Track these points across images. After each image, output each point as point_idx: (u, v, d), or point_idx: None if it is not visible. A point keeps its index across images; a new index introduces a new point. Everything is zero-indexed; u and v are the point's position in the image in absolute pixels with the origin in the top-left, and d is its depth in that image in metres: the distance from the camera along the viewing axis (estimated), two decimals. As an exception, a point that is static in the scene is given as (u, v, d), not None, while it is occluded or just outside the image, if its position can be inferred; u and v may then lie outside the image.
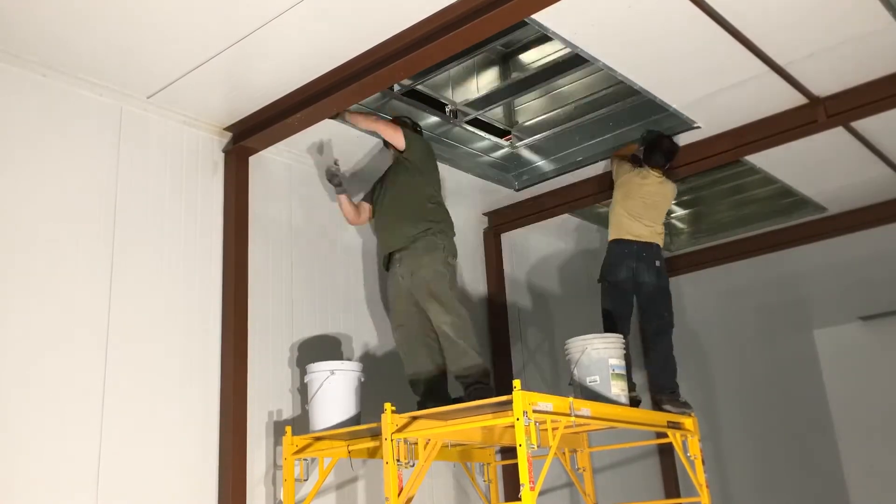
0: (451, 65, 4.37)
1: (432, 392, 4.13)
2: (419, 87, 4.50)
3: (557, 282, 6.45)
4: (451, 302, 4.00)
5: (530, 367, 5.90)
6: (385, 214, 4.36)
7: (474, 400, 3.49)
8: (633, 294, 4.71)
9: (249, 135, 4.22)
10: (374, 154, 4.81)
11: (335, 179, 4.44)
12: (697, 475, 4.11)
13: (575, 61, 4.20)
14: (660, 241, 4.77)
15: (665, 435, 4.17)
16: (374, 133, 4.45)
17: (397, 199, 4.29)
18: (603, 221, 6.24)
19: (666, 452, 6.74)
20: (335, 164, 4.47)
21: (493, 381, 4.17)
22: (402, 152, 4.26)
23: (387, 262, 4.33)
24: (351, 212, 4.53)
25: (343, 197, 4.50)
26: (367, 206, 4.59)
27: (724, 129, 4.79)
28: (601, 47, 3.84)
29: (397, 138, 4.22)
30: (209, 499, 3.75)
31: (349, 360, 4.48)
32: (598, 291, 6.73)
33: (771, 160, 5.17)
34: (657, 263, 4.69)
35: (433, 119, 4.79)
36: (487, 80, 4.59)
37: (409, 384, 4.24)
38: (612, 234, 4.78)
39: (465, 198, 5.51)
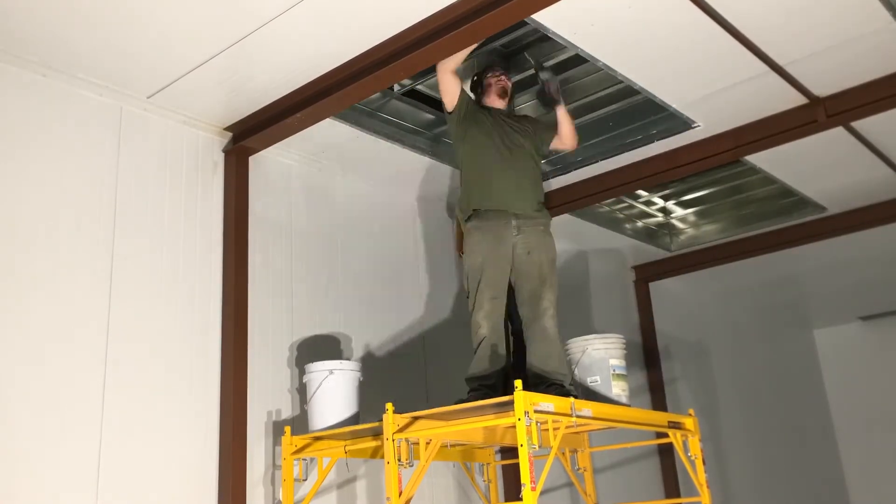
0: (451, 65, 4.36)
1: (497, 388, 3.67)
2: (419, 87, 4.50)
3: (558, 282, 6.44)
4: (557, 294, 3.83)
5: (530, 367, 5.90)
6: (515, 169, 3.91)
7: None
8: None
9: (249, 135, 4.22)
10: (376, 156, 4.80)
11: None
12: (698, 475, 4.10)
13: (575, 61, 4.20)
14: None
15: (665, 435, 4.16)
16: (498, 76, 4.17)
17: (531, 165, 3.98)
18: (603, 221, 6.25)
19: (666, 452, 6.73)
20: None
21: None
22: (535, 123, 4.14)
23: (485, 217, 3.83)
24: (457, 64, 3.89)
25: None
26: (459, 88, 3.98)
27: (724, 129, 4.79)
28: (601, 47, 3.84)
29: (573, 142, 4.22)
30: (209, 498, 3.75)
31: (349, 359, 4.48)
32: (598, 291, 6.80)
33: (771, 160, 5.17)
34: None
35: (433, 119, 4.79)
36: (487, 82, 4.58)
37: (480, 374, 3.68)
38: None
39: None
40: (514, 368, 3.96)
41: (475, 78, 4.32)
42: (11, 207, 3.43)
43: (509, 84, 4.22)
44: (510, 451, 4.98)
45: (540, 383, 3.71)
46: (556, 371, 3.74)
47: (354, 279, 4.84)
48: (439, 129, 4.89)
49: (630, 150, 4.94)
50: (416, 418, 3.51)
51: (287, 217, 4.57)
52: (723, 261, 6.87)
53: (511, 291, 3.92)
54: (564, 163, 5.16)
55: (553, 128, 4.27)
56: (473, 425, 3.45)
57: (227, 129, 4.32)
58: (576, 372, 4.00)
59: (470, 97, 4.12)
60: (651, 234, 6.73)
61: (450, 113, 4.02)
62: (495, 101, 4.18)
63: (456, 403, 3.46)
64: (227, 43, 3.57)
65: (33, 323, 3.37)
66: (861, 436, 10.29)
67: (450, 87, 3.95)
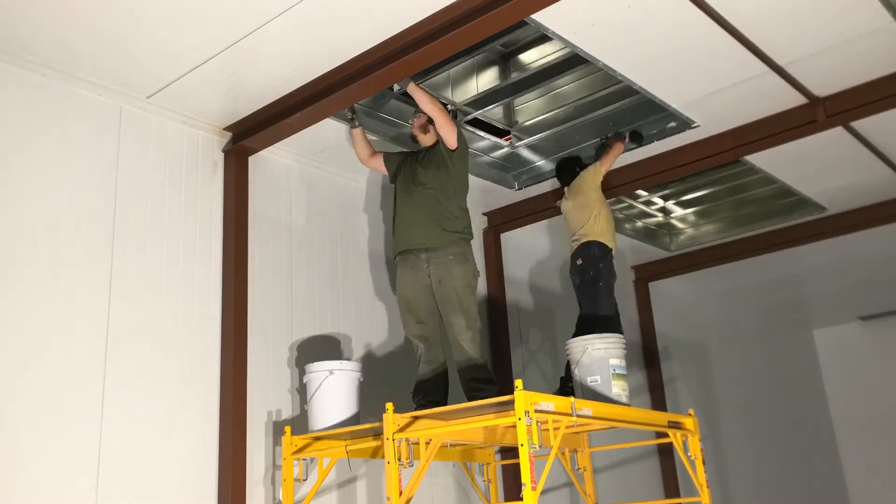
0: (451, 65, 4.38)
1: (437, 394, 4.08)
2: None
3: (558, 282, 6.45)
4: (474, 317, 4.03)
5: (531, 367, 5.90)
6: (414, 207, 4.16)
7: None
8: None
9: (249, 135, 4.22)
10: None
11: (348, 114, 4.24)
12: (698, 475, 4.10)
13: (575, 61, 4.20)
14: None
15: (665, 435, 4.17)
16: (417, 116, 4.30)
17: (432, 197, 4.14)
18: (603, 221, 6.24)
19: (666, 452, 6.74)
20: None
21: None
22: (450, 151, 4.16)
23: (403, 255, 4.16)
24: (365, 149, 4.37)
25: (357, 131, 4.32)
26: (380, 160, 4.40)
27: (723, 129, 4.79)
28: (601, 47, 3.84)
29: (451, 134, 4.11)
30: (209, 498, 3.75)
31: (348, 359, 4.47)
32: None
33: (771, 160, 5.18)
34: None
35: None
36: (487, 80, 4.59)
37: (419, 384, 4.10)
38: (608, 242, 4.86)
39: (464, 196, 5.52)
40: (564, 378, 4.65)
41: (456, 111, 4.54)
42: (11, 207, 3.43)
43: (421, 122, 4.31)
44: (510, 451, 4.98)
45: (467, 389, 3.98)
46: (478, 384, 3.94)
47: (354, 279, 4.84)
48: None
49: (630, 150, 4.94)
50: (416, 418, 3.52)
51: (287, 216, 4.57)
52: (723, 261, 6.88)
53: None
54: (564, 163, 5.16)
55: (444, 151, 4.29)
56: (473, 425, 3.45)
57: (227, 128, 4.32)
58: (576, 372, 4.01)
59: (395, 157, 4.42)
60: (651, 234, 6.74)
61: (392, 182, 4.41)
62: (419, 142, 4.36)
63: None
64: (226, 43, 3.57)
65: (33, 323, 3.37)
66: (861, 435, 10.27)
67: (375, 167, 4.46)
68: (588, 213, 4.84)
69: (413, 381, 4.15)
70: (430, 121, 4.22)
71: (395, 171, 4.37)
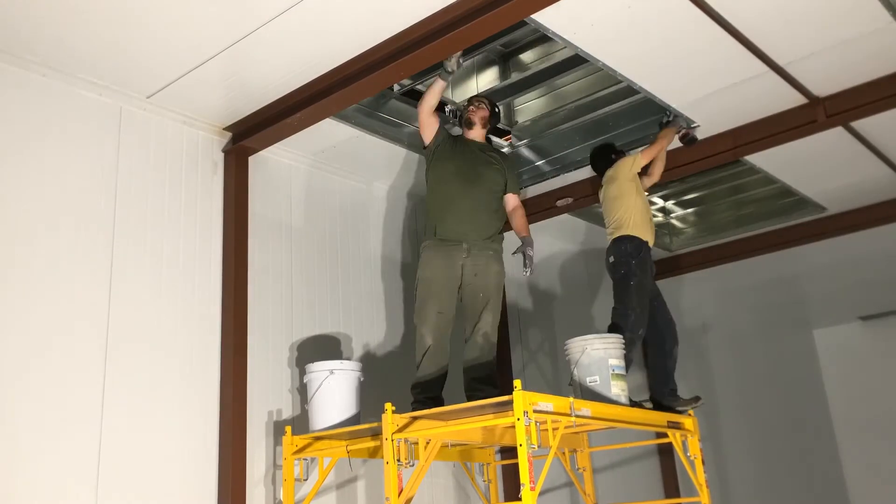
0: (451, 65, 4.36)
1: (435, 391, 4.02)
2: (419, 87, 4.50)
3: (558, 282, 6.45)
4: (498, 319, 4.06)
5: (531, 367, 5.90)
6: (473, 200, 4.12)
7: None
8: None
9: (249, 135, 4.22)
10: (375, 156, 4.80)
11: (454, 65, 3.95)
12: (697, 475, 4.11)
13: (575, 61, 4.20)
14: None
15: (665, 435, 4.17)
16: (480, 106, 4.27)
17: (487, 193, 4.16)
18: (603, 221, 6.24)
19: (666, 452, 6.74)
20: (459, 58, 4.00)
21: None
22: (504, 159, 4.28)
23: (443, 242, 4.06)
24: (433, 103, 4.15)
25: (444, 84, 4.09)
26: (436, 124, 4.24)
27: (723, 129, 4.79)
28: (601, 47, 3.84)
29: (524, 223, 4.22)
30: (209, 498, 3.75)
31: (349, 359, 4.48)
32: (598, 291, 6.79)
33: (771, 160, 5.17)
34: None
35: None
36: (487, 80, 4.59)
37: (423, 381, 3.95)
38: (642, 235, 4.51)
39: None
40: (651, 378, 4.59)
41: (459, 112, 4.46)
42: (12, 206, 3.43)
43: (483, 114, 4.29)
44: (510, 451, 4.98)
45: (469, 388, 3.97)
46: (484, 378, 3.94)
47: (354, 278, 4.84)
48: (439, 129, 4.89)
49: (630, 150, 4.94)
50: (415, 418, 3.52)
51: (287, 216, 4.57)
52: (723, 261, 6.87)
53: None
54: (564, 162, 5.16)
55: (516, 179, 4.37)
56: (472, 425, 3.46)
57: (227, 128, 4.32)
58: (575, 372, 4.01)
59: (445, 133, 4.30)
60: (651, 234, 6.72)
61: (425, 148, 4.29)
62: (469, 133, 4.33)
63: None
64: (226, 43, 3.57)
65: (33, 324, 3.37)
66: (861, 435, 10.26)
67: (428, 125, 4.23)
68: (620, 205, 4.53)
69: (411, 378, 4.14)
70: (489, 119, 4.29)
71: (438, 146, 4.23)
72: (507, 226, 4.28)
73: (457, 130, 4.47)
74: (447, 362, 4.07)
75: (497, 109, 4.41)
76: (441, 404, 3.85)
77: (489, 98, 4.38)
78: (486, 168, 4.21)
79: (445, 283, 4.03)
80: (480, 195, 4.15)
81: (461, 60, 3.98)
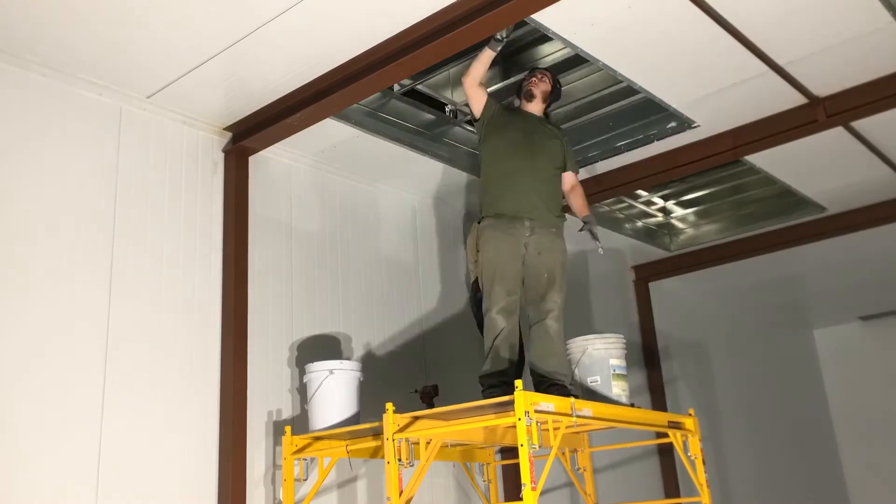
0: (451, 65, 4.37)
1: (512, 383, 3.65)
2: (419, 87, 4.50)
3: (557, 282, 6.45)
4: (565, 297, 3.86)
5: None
6: (535, 176, 3.93)
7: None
8: None
9: (249, 135, 4.22)
10: (376, 156, 4.80)
11: (504, 34, 3.77)
12: (698, 475, 4.10)
13: (575, 61, 4.20)
14: None
15: (665, 435, 4.16)
16: (543, 78, 4.13)
17: (549, 166, 3.98)
18: (603, 221, 6.25)
19: (666, 452, 6.73)
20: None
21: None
22: (564, 134, 4.13)
23: (501, 218, 3.87)
24: (481, 74, 3.96)
25: (492, 54, 3.88)
26: (484, 95, 4.04)
27: (724, 129, 4.79)
28: (601, 47, 3.84)
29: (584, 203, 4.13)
30: (209, 498, 3.75)
31: (348, 359, 4.48)
32: (598, 291, 6.80)
33: (771, 160, 5.17)
34: None
35: (433, 119, 4.79)
36: (487, 80, 4.59)
37: (499, 369, 3.68)
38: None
39: (464, 197, 5.51)
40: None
41: (519, 84, 4.28)
42: (12, 206, 3.43)
43: (545, 87, 4.14)
44: (510, 451, 4.97)
45: (541, 383, 3.74)
46: (557, 371, 3.76)
47: (354, 279, 4.84)
48: (439, 129, 4.90)
49: (630, 150, 4.94)
50: (416, 418, 3.51)
51: (287, 217, 4.57)
52: (723, 261, 6.88)
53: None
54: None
55: (574, 157, 4.26)
56: (473, 425, 3.45)
57: (227, 128, 4.32)
58: (576, 372, 4.00)
59: (497, 104, 4.10)
60: (651, 234, 6.74)
61: (476, 120, 4.10)
62: (527, 105, 4.18)
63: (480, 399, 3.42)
64: (226, 43, 3.57)
65: (33, 324, 3.37)
66: (861, 435, 10.29)
67: (475, 97, 4.03)
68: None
69: (414, 380, 4.14)
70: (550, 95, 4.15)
71: (491, 118, 4.04)
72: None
73: (515, 102, 4.31)
74: (518, 344, 3.84)
75: (559, 85, 4.22)
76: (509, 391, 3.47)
77: (551, 72, 4.21)
78: (547, 140, 4.03)
79: (511, 263, 3.80)
80: (543, 168, 3.96)
81: (508, 35, 3.80)
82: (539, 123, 4.13)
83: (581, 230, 4.03)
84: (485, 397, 3.55)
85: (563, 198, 4.16)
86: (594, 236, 3.97)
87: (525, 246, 3.84)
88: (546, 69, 4.22)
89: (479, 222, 3.98)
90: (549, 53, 4.31)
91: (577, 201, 4.13)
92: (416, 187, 5.32)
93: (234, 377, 3.90)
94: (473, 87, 4.00)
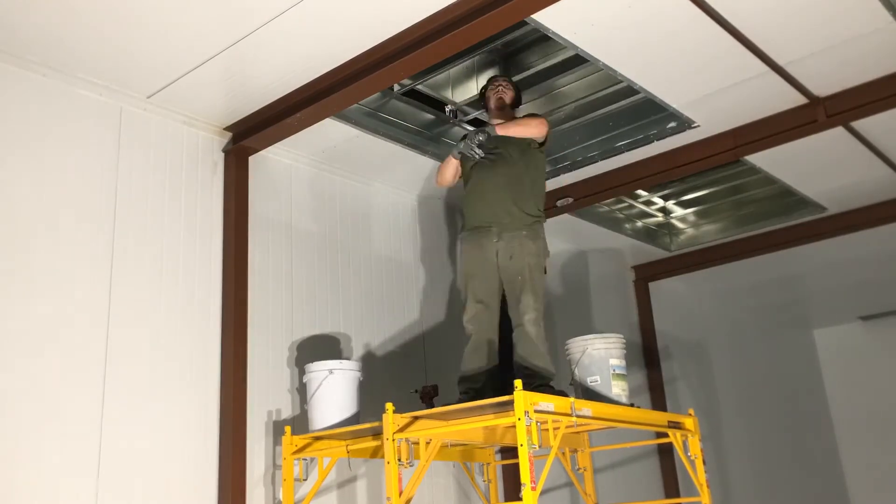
0: (451, 65, 4.37)
1: (479, 382, 3.90)
2: (419, 87, 4.50)
3: (558, 282, 6.45)
4: (541, 299, 3.88)
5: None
6: (492, 179, 4.02)
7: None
8: None
9: (249, 135, 4.22)
10: (376, 156, 4.80)
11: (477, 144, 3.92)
12: (698, 475, 4.10)
13: (575, 61, 4.20)
14: None
15: (665, 435, 4.17)
16: (504, 88, 4.20)
17: (517, 176, 4.02)
18: (603, 221, 6.25)
19: (666, 452, 6.73)
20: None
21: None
22: (541, 143, 4.12)
23: (473, 231, 4.02)
24: (452, 176, 4.22)
25: (456, 162, 4.14)
26: (459, 167, 4.21)
27: (723, 129, 4.79)
28: (601, 47, 3.84)
29: (542, 130, 4.03)
30: (209, 498, 3.75)
31: (348, 359, 4.48)
32: (598, 291, 6.80)
33: (771, 160, 5.17)
34: None
35: (433, 119, 4.79)
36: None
37: (463, 373, 3.92)
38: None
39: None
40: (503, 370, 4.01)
41: (482, 92, 4.32)
42: (11, 207, 3.43)
43: (507, 94, 4.21)
44: (510, 451, 4.98)
45: (526, 384, 3.72)
46: (541, 371, 3.80)
47: (354, 279, 4.84)
48: (439, 129, 4.90)
49: (630, 150, 4.94)
50: (416, 418, 3.52)
51: (287, 217, 4.57)
52: (723, 261, 6.88)
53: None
54: (564, 162, 5.16)
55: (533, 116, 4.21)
56: (473, 425, 3.45)
57: (227, 128, 4.32)
58: (576, 372, 4.00)
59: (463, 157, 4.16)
60: (651, 234, 6.74)
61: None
62: (494, 116, 4.22)
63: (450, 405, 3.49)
64: (226, 43, 3.57)
65: (33, 323, 3.37)
66: (861, 435, 10.29)
67: (456, 175, 4.25)
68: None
69: (414, 380, 4.15)
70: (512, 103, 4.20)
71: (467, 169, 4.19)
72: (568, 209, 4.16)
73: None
74: (495, 355, 3.95)
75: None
76: (487, 397, 3.63)
77: (507, 78, 4.25)
78: (505, 145, 4.06)
79: (481, 272, 3.93)
80: (503, 174, 4.01)
81: (477, 141, 3.90)
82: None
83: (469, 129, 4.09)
84: (458, 401, 3.67)
85: (536, 195, 4.10)
86: (474, 142, 3.89)
87: (496, 253, 3.93)
88: (502, 75, 4.29)
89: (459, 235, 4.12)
90: (550, 53, 4.31)
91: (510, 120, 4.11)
92: (415, 187, 5.32)
93: (234, 377, 3.90)
94: (450, 182, 4.26)
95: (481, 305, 3.94)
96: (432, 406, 4.18)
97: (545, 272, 3.99)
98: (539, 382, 3.75)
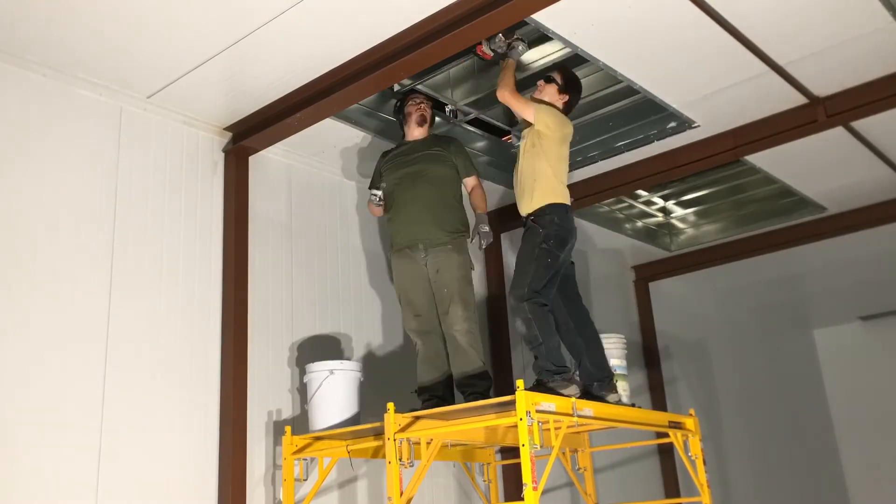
0: (451, 65, 4.37)
1: (439, 390, 4.01)
2: (419, 87, 4.49)
3: (557, 282, 6.45)
4: (471, 308, 3.97)
5: (532, 367, 5.89)
6: (415, 198, 4.10)
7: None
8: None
9: (249, 135, 4.22)
10: (375, 156, 4.80)
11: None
12: (698, 475, 4.10)
13: (575, 61, 4.20)
14: None
15: (665, 435, 4.17)
16: (419, 105, 4.26)
17: (434, 187, 4.11)
18: (603, 221, 6.25)
19: (666, 452, 6.74)
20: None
21: (492, 392, 3.99)
22: (449, 146, 4.22)
23: (401, 249, 4.11)
24: (381, 212, 4.34)
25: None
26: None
27: (724, 129, 4.79)
28: (601, 47, 3.84)
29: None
30: (209, 498, 3.75)
31: (349, 359, 4.48)
32: (598, 291, 6.80)
33: (771, 160, 5.18)
34: None
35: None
36: (487, 80, 4.58)
37: (420, 383, 4.04)
38: (559, 198, 3.89)
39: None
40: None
41: (397, 104, 4.38)
42: (11, 207, 3.43)
43: (428, 112, 4.32)
44: (511, 451, 4.98)
45: (462, 392, 3.91)
46: (472, 379, 3.86)
47: (354, 278, 4.84)
48: (439, 130, 4.89)
49: (630, 150, 4.94)
50: (417, 418, 3.52)
51: (287, 216, 4.57)
52: (723, 261, 6.88)
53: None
54: (564, 163, 5.15)
55: (467, 161, 4.27)
56: (474, 425, 3.45)
57: (227, 128, 4.32)
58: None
59: (382, 157, 4.35)
60: (651, 234, 6.74)
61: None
62: (414, 132, 4.28)
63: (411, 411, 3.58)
64: (226, 43, 3.57)
65: (33, 324, 3.37)
66: (861, 435, 10.30)
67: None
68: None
69: (414, 380, 4.14)
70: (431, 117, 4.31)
71: (380, 168, 4.32)
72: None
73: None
74: (445, 363, 4.04)
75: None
76: (448, 402, 3.86)
77: (421, 94, 4.33)
78: (430, 163, 4.16)
79: (413, 287, 4.06)
80: (426, 192, 4.10)
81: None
82: (424, 147, 4.24)
83: (471, 234, 4.14)
84: (422, 408, 3.75)
85: (457, 209, 4.17)
86: (480, 236, 4.06)
87: (426, 267, 4.04)
88: (419, 91, 4.35)
89: (389, 253, 4.23)
90: (549, 53, 4.31)
91: (474, 201, 4.24)
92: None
93: (234, 377, 3.90)
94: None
95: (421, 319, 4.05)
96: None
97: (471, 280, 4.08)
98: (475, 391, 3.82)
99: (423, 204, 4.09)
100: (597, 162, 5.10)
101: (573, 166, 5.15)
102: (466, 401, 3.82)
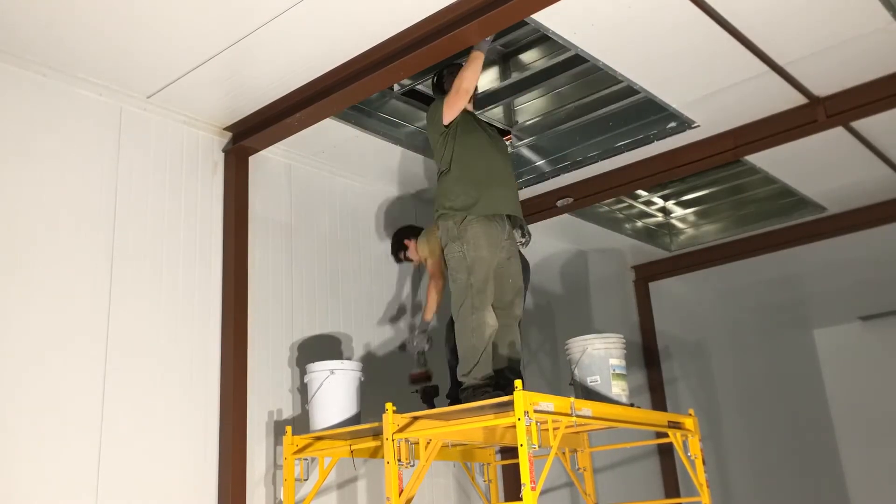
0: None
1: (517, 376, 3.64)
2: (419, 87, 4.50)
3: (558, 282, 6.45)
4: (457, 295, 3.78)
5: (531, 367, 5.90)
6: (509, 171, 3.85)
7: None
8: None
9: (249, 135, 4.22)
10: (376, 156, 4.80)
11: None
12: (698, 475, 4.10)
13: (575, 61, 4.20)
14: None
15: (665, 435, 4.17)
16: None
17: (510, 168, 3.91)
18: (603, 221, 6.25)
19: (666, 452, 6.73)
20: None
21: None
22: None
23: (488, 218, 3.67)
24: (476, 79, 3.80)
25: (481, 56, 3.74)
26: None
27: (723, 129, 4.79)
28: (601, 47, 3.84)
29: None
30: (209, 498, 3.75)
31: (349, 359, 4.48)
32: (598, 291, 6.80)
33: (771, 160, 5.17)
34: None
35: (433, 119, 4.79)
36: (487, 80, 4.59)
37: (496, 370, 3.62)
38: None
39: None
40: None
41: (434, 80, 4.14)
42: (10, 208, 3.43)
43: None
44: (510, 451, 4.98)
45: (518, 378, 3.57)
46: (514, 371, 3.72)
47: (355, 278, 4.84)
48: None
49: (630, 150, 4.94)
50: (416, 418, 3.52)
51: (287, 216, 4.57)
52: (723, 261, 6.88)
53: None
54: (564, 162, 5.16)
55: None
56: (473, 425, 3.45)
57: (227, 128, 4.32)
58: (576, 372, 4.00)
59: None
60: (651, 234, 6.74)
61: (446, 126, 3.81)
62: (469, 104, 4.06)
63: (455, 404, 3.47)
64: (226, 43, 3.57)
65: (33, 325, 3.37)
66: (861, 435, 10.29)
67: (463, 102, 3.79)
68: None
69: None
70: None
71: (460, 121, 3.85)
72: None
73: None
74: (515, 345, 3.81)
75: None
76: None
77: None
78: (496, 139, 3.99)
79: (495, 263, 3.67)
80: (508, 167, 3.89)
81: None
82: (480, 121, 4.04)
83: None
84: (485, 398, 3.43)
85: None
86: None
87: (501, 248, 3.71)
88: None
89: (463, 219, 3.66)
90: (549, 53, 4.31)
91: None
92: (415, 187, 5.32)
93: (235, 377, 3.90)
94: (467, 92, 3.77)
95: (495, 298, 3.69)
96: (432, 406, 4.18)
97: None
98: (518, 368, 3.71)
99: (509, 172, 3.83)
100: (597, 162, 5.09)
101: (574, 166, 5.16)
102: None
